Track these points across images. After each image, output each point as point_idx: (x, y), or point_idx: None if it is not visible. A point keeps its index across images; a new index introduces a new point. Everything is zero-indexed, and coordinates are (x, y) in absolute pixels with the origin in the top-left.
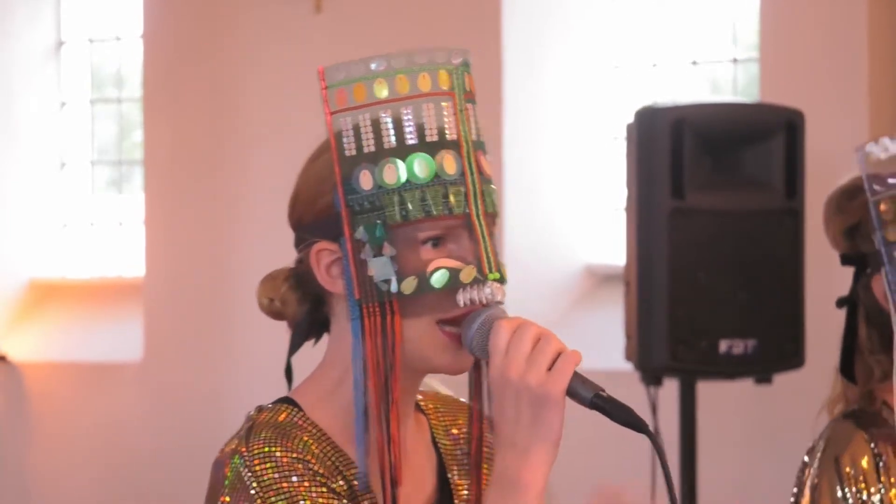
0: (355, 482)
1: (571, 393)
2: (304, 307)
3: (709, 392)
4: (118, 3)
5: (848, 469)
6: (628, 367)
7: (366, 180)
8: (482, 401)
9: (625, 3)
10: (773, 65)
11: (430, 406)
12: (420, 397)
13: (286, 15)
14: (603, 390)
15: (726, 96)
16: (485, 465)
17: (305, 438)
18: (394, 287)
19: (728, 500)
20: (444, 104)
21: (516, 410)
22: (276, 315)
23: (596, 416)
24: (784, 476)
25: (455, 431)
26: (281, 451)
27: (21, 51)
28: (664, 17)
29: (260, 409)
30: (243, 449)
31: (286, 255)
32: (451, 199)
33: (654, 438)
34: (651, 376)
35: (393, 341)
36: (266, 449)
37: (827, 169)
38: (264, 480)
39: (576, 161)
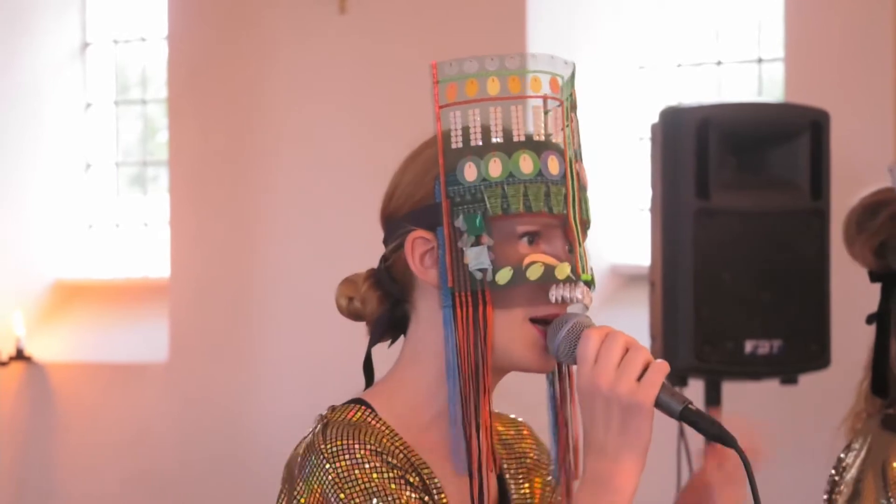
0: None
1: (660, 404)
2: (384, 306)
3: (734, 392)
4: (143, 5)
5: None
6: None
7: (470, 172)
8: (567, 407)
9: (650, 4)
10: (799, 65)
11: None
12: None
13: (310, 15)
14: (691, 402)
15: (751, 96)
16: (538, 478)
17: (378, 435)
18: (489, 276)
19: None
20: (552, 108)
21: (606, 418)
22: (354, 315)
23: None
24: (810, 477)
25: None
26: (358, 445)
27: (46, 52)
28: (689, 17)
29: (332, 409)
30: (321, 445)
31: (310, 254)
32: (552, 198)
33: (743, 453)
34: (676, 377)
35: (485, 331)
36: (341, 442)
37: (852, 169)
38: (342, 472)
39: (601, 161)
